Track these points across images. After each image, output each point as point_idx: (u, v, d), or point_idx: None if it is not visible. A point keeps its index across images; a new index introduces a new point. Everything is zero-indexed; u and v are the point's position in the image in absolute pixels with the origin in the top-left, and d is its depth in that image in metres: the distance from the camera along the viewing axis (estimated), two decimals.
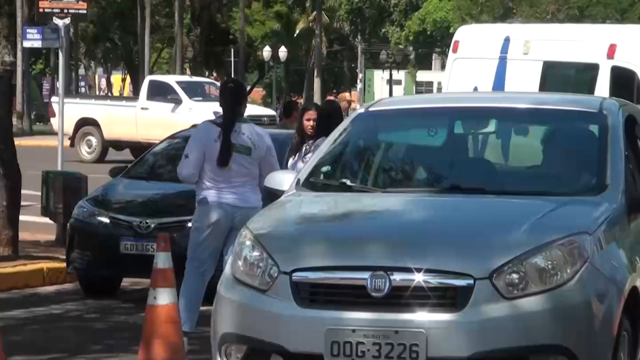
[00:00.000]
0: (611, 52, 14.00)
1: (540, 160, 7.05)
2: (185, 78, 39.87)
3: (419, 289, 5.59)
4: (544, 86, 15.05)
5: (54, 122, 32.72)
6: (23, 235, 13.11)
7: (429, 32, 54.42)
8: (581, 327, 5.62)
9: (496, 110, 7.41)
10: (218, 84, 39.12)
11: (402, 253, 5.73)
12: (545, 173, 6.92)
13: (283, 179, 6.99)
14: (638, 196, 6.50)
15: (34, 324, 9.84)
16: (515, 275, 5.59)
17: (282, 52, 62.13)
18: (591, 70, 14.23)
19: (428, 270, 5.59)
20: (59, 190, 13.37)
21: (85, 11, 18.60)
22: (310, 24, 63.73)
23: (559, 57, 14.87)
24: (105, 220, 10.93)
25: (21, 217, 13.09)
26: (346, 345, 5.57)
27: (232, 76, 60.08)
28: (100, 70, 77.93)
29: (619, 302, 5.75)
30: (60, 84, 21.20)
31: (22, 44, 22.38)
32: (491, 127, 7.35)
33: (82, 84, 70.81)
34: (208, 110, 28.29)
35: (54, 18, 17.54)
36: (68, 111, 31.79)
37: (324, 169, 6.96)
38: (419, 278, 5.58)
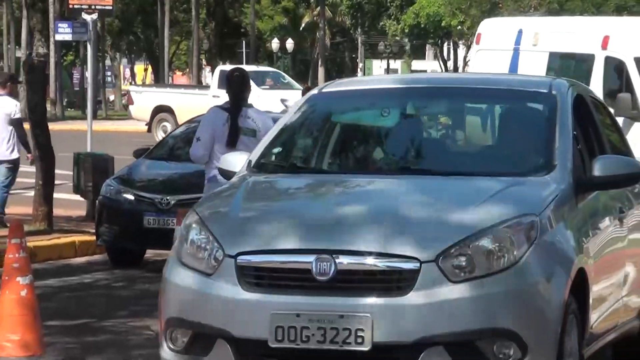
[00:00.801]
0: (605, 43, 13.78)
1: (490, 141, 6.57)
2: (253, 67, 38.34)
3: (364, 273, 5.04)
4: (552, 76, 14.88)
5: (132, 109, 32.73)
6: (57, 211, 13.16)
7: (422, 25, 54.13)
8: (528, 310, 5.05)
9: (447, 90, 6.77)
10: (283, 73, 38.93)
11: (347, 236, 5.12)
12: (494, 154, 6.32)
13: (236, 161, 6.31)
14: (586, 176, 5.86)
15: (67, 292, 9.88)
16: (462, 258, 5.01)
17: (289, 44, 62.02)
18: (588, 60, 13.99)
19: (374, 254, 5.02)
20: (89, 170, 13.38)
21: (110, 7, 18.56)
22: (315, 18, 63.55)
23: (561, 48, 14.67)
24: (130, 197, 10.99)
25: (55, 195, 13.15)
26: (290, 330, 5.00)
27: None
28: (124, 61, 77.65)
29: (566, 284, 5.20)
30: (89, 74, 21.16)
31: (54, 37, 22.33)
32: (442, 107, 6.73)
33: (109, 73, 70.72)
34: (275, 97, 28.10)
35: (83, 13, 17.49)
36: (146, 99, 31.90)
37: (275, 150, 6.33)
38: (364, 261, 5.03)
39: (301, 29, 66.30)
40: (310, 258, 5.03)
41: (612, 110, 13.34)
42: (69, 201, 14.58)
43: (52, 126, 14.22)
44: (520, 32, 15.57)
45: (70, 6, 18.25)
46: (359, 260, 5.03)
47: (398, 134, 6.42)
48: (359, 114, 6.82)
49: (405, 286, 4.96)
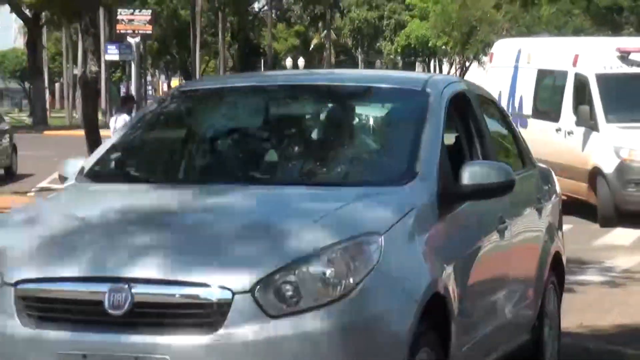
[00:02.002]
0: (575, 61, 13.75)
1: (349, 145, 4.75)
2: None
3: (166, 306, 3.53)
4: (538, 90, 14.78)
5: None
6: None
7: (413, 46, 54.08)
8: (366, 349, 3.59)
9: (309, 89, 5.03)
10: None
11: (149, 261, 3.60)
12: (351, 160, 4.57)
13: (71, 167, 4.66)
14: (455, 186, 4.32)
15: None
16: (285, 287, 3.50)
17: (301, 62, 61.96)
18: (563, 76, 13.92)
19: (179, 283, 3.52)
20: None
21: (150, 32, 18.64)
22: (322, 40, 63.53)
23: (546, 65, 14.65)
24: None
25: None
26: None
27: None
28: (162, 77, 77.75)
29: (414, 315, 3.72)
30: (133, 88, 21.17)
31: (104, 57, 22.37)
32: (301, 107, 5.10)
33: (149, 87, 70.81)
34: None
35: (128, 37, 17.58)
36: None
37: (114, 155, 4.73)
38: (166, 292, 3.53)
39: (311, 49, 66.26)
40: (103, 287, 3.56)
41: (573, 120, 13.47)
42: None
43: (102, 132, 14.22)
44: (519, 51, 15.58)
45: (118, 31, 18.39)
46: (160, 291, 3.55)
47: (248, 138, 4.88)
48: (211, 114, 5.21)
49: (214, 322, 3.48)
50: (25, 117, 59.96)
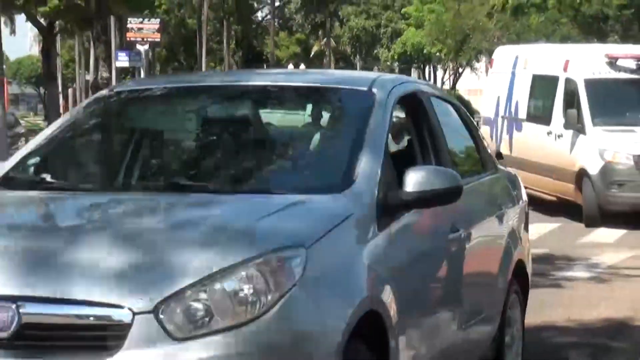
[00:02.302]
0: (565, 66, 13.74)
1: (285, 149, 4.18)
2: None
3: (59, 327, 3.00)
4: (532, 94, 14.77)
5: None
6: None
7: (408, 53, 54.08)
8: None
9: (246, 90, 4.42)
10: None
11: (39, 277, 3.04)
12: (284, 165, 4.04)
13: None
14: (398, 194, 3.75)
15: None
16: (195, 307, 2.99)
17: (302, 68, 61.92)
18: (555, 81, 13.88)
19: (71, 301, 2.99)
20: None
21: (159, 40, 18.65)
22: (322, 48, 63.50)
23: (540, 70, 14.65)
24: None
25: None
26: None
27: None
28: None
29: (342, 335, 3.18)
30: None
31: (115, 64, 22.37)
32: (237, 109, 4.47)
33: None
34: None
35: (137, 45, 17.59)
36: None
37: (32, 160, 4.18)
38: (58, 312, 3.00)
39: (311, 56, 66.21)
40: None
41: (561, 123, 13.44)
42: None
43: None
44: (516, 57, 15.62)
45: (128, 39, 18.42)
46: (52, 310, 3.01)
47: (175, 143, 4.46)
48: (143, 116, 4.63)
49: (112, 346, 2.96)
50: (40, 121, 60.03)
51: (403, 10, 55.13)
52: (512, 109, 15.28)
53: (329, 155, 4.04)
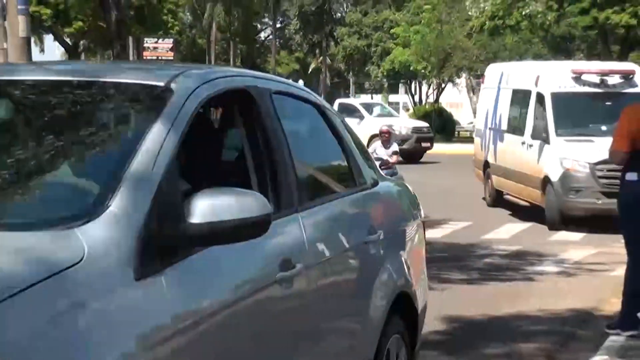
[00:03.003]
0: (536, 81, 13.62)
1: (23, 166, 2.55)
2: (364, 100, 35.34)
3: None
4: (511, 108, 14.62)
5: None
6: None
7: (396, 69, 54.14)
8: None
9: (10, 84, 2.93)
10: (384, 104, 35.37)
11: None
12: (20, 188, 2.50)
13: None
14: (178, 227, 2.38)
15: None
16: None
17: (300, 83, 61.89)
18: (528, 95, 13.78)
19: None
20: None
21: (172, 58, 18.60)
22: (319, 65, 63.50)
23: (517, 85, 14.53)
24: None
25: None
26: None
27: None
28: None
29: None
30: None
31: None
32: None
33: None
34: (382, 123, 25.82)
35: None
36: None
37: None
38: None
39: (309, 72, 66.24)
40: None
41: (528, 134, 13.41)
42: None
43: None
44: (501, 74, 15.54)
45: (144, 57, 18.38)
46: None
47: None
48: None
49: None
50: None
51: (392, 31, 55.18)
52: (497, 121, 15.24)
53: (84, 173, 2.56)
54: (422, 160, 26.55)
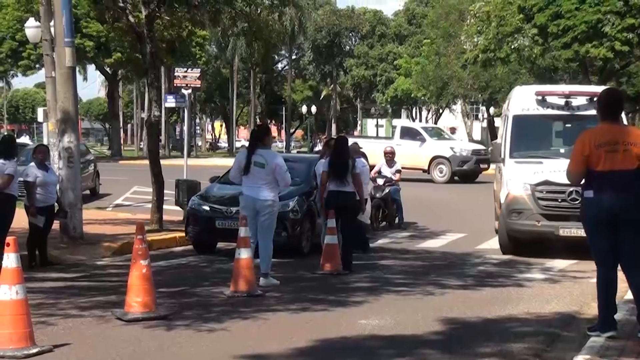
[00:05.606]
0: (508, 104, 12.48)
1: None
2: (427, 124, 33.83)
3: None
4: (511, 134, 12.29)
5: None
6: (165, 217, 13.09)
7: (399, 97, 54.13)
8: None
9: None
10: (441, 128, 33.02)
11: None
12: None
13: None
14: None
15: (171, 270, 9.77)
16: None
17: (313, 108, 62.02)
18: (506, 117, 12.33)
19: None
20: (184, 190, 13.36)
21: (199, 85, 18.67)
22: (330, 92, 63.56)
23: (507, 111, 12.79)
24: (207, 208, 10.78)
25: (164, 206, 13.08)
26: None
27: (284, 124, 60.11)
28: (207, 120, 77.88)
29: None
30: (185, 128, 21.17)
31: (164, 104, 22.41)
32: None
33: (198, 128, 70.90)
34: (444, 146, 25.04)
35: (182, 89, 17.59)
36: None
37: None
38: None
39: (321, 98, 66.30)
40: None
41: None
42: (172, 210, 14.51)
43: (162, 162, 14.28)
44: (509, 100, 13.77)
45: (175, 85, 18.52)
46: None
47: None
48: None
49: None
50: (105, 150, 60.22)
51: (395, 62, 55.35)
52: (502, 148, 13.90)
53: None
54: (437, 181, 24.63)
